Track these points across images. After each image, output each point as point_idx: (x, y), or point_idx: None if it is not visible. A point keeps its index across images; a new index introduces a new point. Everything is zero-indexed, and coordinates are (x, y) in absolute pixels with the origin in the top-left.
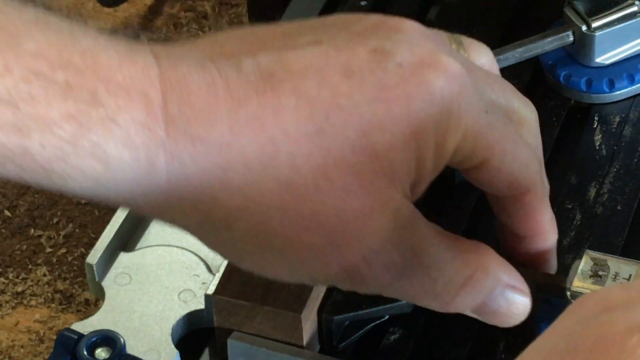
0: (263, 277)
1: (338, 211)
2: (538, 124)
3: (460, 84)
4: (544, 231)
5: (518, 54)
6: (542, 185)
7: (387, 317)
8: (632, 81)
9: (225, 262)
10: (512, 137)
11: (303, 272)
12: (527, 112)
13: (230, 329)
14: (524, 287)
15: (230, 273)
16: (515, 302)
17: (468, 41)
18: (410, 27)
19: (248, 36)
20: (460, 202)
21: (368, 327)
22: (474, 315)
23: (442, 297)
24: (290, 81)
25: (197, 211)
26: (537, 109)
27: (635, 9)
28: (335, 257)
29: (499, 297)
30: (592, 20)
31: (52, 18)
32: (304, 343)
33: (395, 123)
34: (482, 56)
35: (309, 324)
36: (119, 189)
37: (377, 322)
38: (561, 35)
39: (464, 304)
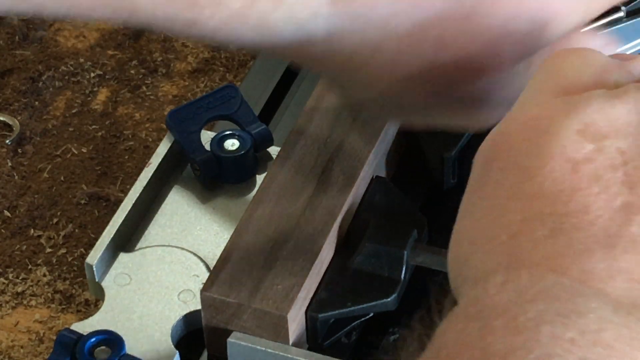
0: (252, 276)
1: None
2: None
3: None
4: None
5: None
6: None
7: (371, 314)
8: None
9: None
10: None
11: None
12: None
13: (217, 327)
14: None
15: (219, 270)
16: None
17: None
18: None
19: None
20: (458, 203)
21: (353, 324)
22: None
23: None
24: None
25: (346, 70)
26: None
27: (621, 14)
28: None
29: None
30: None
31: None
32: (290, 343)
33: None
34: None
35: (295, 324)
36: (276, 48)
37: (362, 319)
38: None
39: None
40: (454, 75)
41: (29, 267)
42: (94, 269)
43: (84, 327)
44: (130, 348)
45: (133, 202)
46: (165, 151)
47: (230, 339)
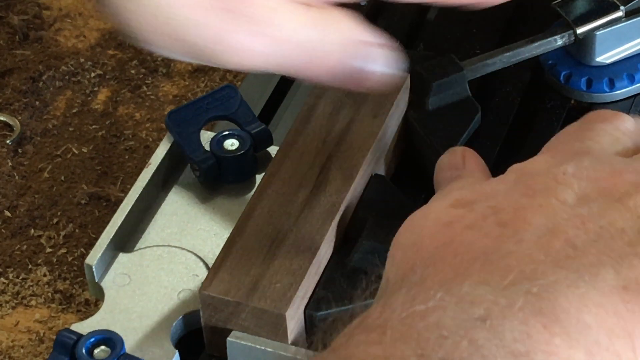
0: (251, 275)
1: None
2: None
3: None
4: None
5: (518, 54)
6: None
7: None
8: (632, 81)
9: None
10: None
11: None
12: None
13: (216, 326)
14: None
15: (218, 268)
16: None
17: None
18: None
19: None
20: None
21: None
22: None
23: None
24: None
25: None
26: (537, 109)
27: (620, 14)
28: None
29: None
30: (578, 27)
31: None
32: (289, 341)
33: None
34: None
35: (294, 323)
36: None
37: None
38: (561, 35)
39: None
40: None
41: (29, 267)
42: (94, 269)
43: (83, 327)
44: (129, 348)
45: (133, 202)
46: (165, 152)
47: (229, 338)
